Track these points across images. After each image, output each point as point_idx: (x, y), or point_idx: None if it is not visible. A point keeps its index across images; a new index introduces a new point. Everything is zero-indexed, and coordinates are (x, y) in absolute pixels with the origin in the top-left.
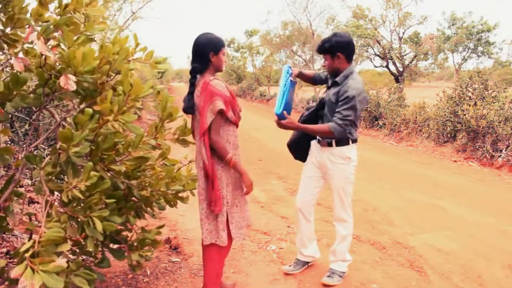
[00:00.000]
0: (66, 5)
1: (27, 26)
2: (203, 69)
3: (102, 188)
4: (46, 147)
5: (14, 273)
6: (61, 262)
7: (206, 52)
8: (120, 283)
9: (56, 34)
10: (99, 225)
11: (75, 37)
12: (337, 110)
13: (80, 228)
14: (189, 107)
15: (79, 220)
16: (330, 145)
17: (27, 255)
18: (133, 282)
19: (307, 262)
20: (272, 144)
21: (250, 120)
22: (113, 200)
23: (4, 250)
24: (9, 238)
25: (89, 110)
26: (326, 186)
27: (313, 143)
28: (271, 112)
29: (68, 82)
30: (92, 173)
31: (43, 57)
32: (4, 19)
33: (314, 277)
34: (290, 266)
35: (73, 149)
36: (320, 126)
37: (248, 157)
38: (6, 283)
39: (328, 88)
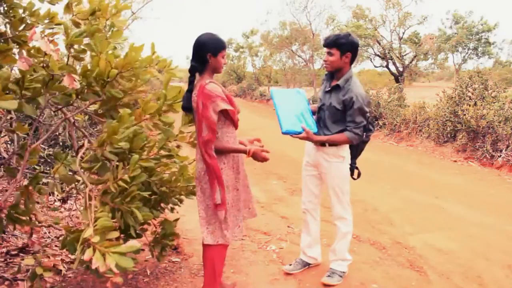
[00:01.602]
0: (94, 11)
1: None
2: (201, 69)
3: (139, 181)
4: (46, 147)
5: (86, 255)
6: (134, 243)
7: (204, 52)
8: (120, 283)
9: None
10: (139, 215)
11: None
12: (349, 119)
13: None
14: (188, 107)
15: (115, 211)
16: (323, 144)
17: (93, 240)
18: (133, 282)
19: (308, 264)
20: (272, 144)
21: (250, 120)
22: (148, 193)
23: (4, 250)
24: (9, 238)
25: (128, 111)
26: (325, 185)
27: (307, 143)
28: (271, 112)
29: (73, 82)
30: (137, 165)
31: (48, 56)
32: (13, 21)
33: (314, 277)
34: (291, 265)
35: (120, 144)
36: (337, 136)
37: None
38: (6, 282)
39: (328, 92)
